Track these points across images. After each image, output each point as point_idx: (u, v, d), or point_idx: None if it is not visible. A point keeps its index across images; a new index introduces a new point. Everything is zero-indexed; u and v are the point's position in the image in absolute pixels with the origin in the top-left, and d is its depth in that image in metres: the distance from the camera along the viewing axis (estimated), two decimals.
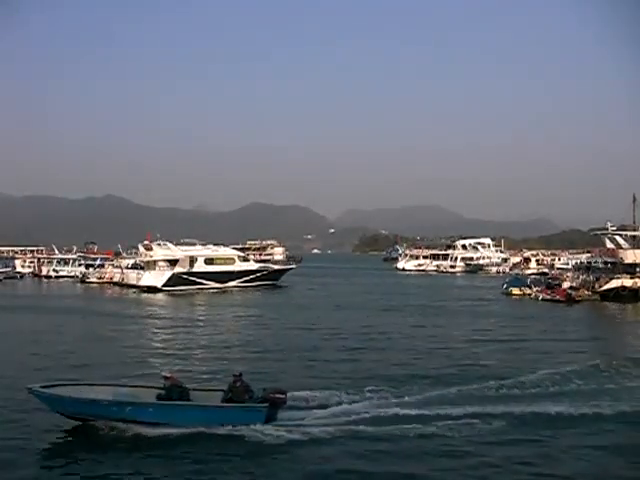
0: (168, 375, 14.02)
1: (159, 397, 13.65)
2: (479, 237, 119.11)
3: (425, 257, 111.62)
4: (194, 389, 14.47)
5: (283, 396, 13.79)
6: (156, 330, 31.83)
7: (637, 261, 48.43)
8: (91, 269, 72.93)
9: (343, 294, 55.73)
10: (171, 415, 13.29)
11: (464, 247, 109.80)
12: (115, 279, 64.91)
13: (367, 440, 13.00)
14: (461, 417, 14.24)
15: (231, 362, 21.80)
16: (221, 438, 12.88)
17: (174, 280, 56.00)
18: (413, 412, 14.55)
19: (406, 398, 15.89)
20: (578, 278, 52.12)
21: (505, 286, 55.35)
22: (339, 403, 15.25)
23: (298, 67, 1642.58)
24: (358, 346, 25.74)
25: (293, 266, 74.13)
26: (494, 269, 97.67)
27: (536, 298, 48.94)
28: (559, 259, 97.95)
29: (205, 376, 19.49)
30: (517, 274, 76.69)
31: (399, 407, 15.00)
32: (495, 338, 28.76)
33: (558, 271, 73.70)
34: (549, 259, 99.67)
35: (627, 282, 46.76)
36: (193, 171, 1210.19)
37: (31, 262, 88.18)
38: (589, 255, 68.97)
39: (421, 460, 12.23)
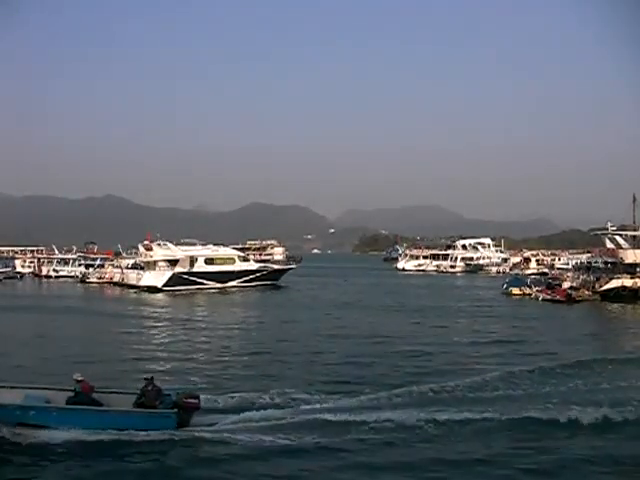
0: (79, 378, 13.60)
1: (69, 400, 13.38)
2: (479, 237, 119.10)
3: (425, 257, 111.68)
4: (107, 392, 14.23)
5: (195, 401, 13.49)
6: (155, 330, 31.79)
7: (637, 261, 48.43)
8: (91, 269, 72.96)
9: (343, 294, 55.70)
10: (77, 420, 12.93)
11: (464, 247, 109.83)
12: (115, 279, 64.92)
13: (273, 447, 12.57)
14: (447, 420, 14.10)
15: (226, 364, 21.88)
16: (126, 444, 12.49)
17: (174, 280, 56.01)
18: (348, 417, 14.06)
19: (347, 400, 15.61)
20: (578, 278, 52.13)
21: (505, 286, 55.37)
22: (265, 407, 14.85)
23: (298, 67, 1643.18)
24: (352, 347, 25.69)
25: (293, 266, 74.04)
26: (494, 269, 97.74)
27: (536, 298, 48.95)
28: (559, 259, 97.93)
29: (201, 378, 19.51)
30: (517, 274, 76.72)
31: (334, 412, 14.42)
32: (494, 339, 28.76)
33: (558, 271, 73.71)
34: (549, 259, 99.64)
35: (627, 282, 46.76)
36: (193, 171, 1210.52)
37: (31, 262, 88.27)
38: (589, 255, 69.00)
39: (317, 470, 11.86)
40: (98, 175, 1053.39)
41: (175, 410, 13.31)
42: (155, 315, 38.58)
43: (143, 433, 12.78)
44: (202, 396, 14.10)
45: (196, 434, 13.08)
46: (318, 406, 15.13)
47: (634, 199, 54.29)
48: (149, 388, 13.63)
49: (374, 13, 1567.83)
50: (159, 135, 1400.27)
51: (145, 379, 13.88)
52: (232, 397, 15.72)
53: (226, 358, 23.16)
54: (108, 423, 12.98)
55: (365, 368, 21.13)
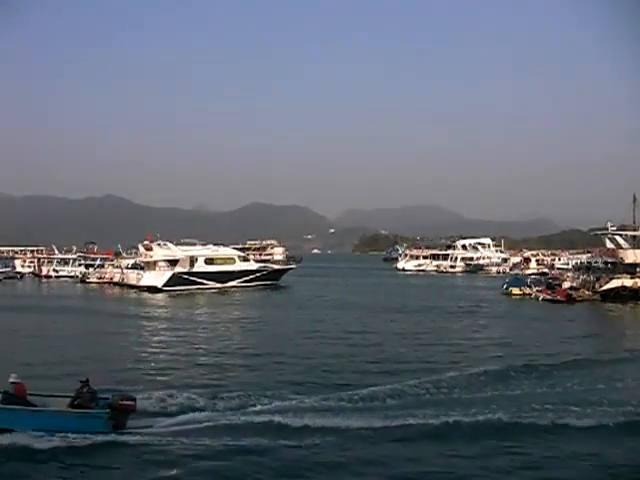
0: (13, 380, 13.28)
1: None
2: (479, 237, 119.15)
3: (425, 257, 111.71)
4: (41, 395, 13.84)
5: (131, 402, 13.36)
6: (154, 331, 31.78)
7: (637, 261, 48.45)
8: (91, 269, 73.04)
9: (342, 294, 55.70)
10: (6, 420, 12.65)
11: (464, 247, 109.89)
12: (115, 279, 64.91)
13: (210, 450, 12.35)
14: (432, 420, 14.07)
15: (217, 365, 21.80)
16: (53, 447, 12.19)
17: (174, 280, 56.04)
18: (292, 421, 13.78)
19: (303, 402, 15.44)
20: (578, 278, 52.16)
21: (505, 286, 55.39)
22: (213, 409, 14.66)
23: (298, 67, 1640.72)
24: (348, 347, 25.64)
25: (293, 266, 74.07)
26: (494, 269, 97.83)
27: (536, 298, 48.96)
28: (559, 259, 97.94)
29: (196, 380, 19.49)
30: (517, 274, 76.74)
31: (285, 413, 14.22)
32: (493, 339, 28.80)
33: (558, 271, 73.64)
34: (549, 259, 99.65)
35: (627, 282, 46.79)
36: (193, 171, 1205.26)
37: (31, 262, 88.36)
38: (589, 255, 69.11)
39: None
40: (98, 175, 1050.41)
41: (107, 411, 13.07)
42: (155, 315, 38.62)
43: (73, 435, 12.50)
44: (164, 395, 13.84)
45: (130, 436, 12.84)
46: (268, 407, 14.88)
47: (634, 199, 54.27)
48: (84, 390, 13.43)
49: (374, 13, 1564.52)
50: (159, 135, 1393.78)
51: (80, 381, 13.65)
52: (176, 397, 15.42)
53: (220, 359, 23.04)
54: (37, 424, 12.69)
55: (359, 368, 21.01)
